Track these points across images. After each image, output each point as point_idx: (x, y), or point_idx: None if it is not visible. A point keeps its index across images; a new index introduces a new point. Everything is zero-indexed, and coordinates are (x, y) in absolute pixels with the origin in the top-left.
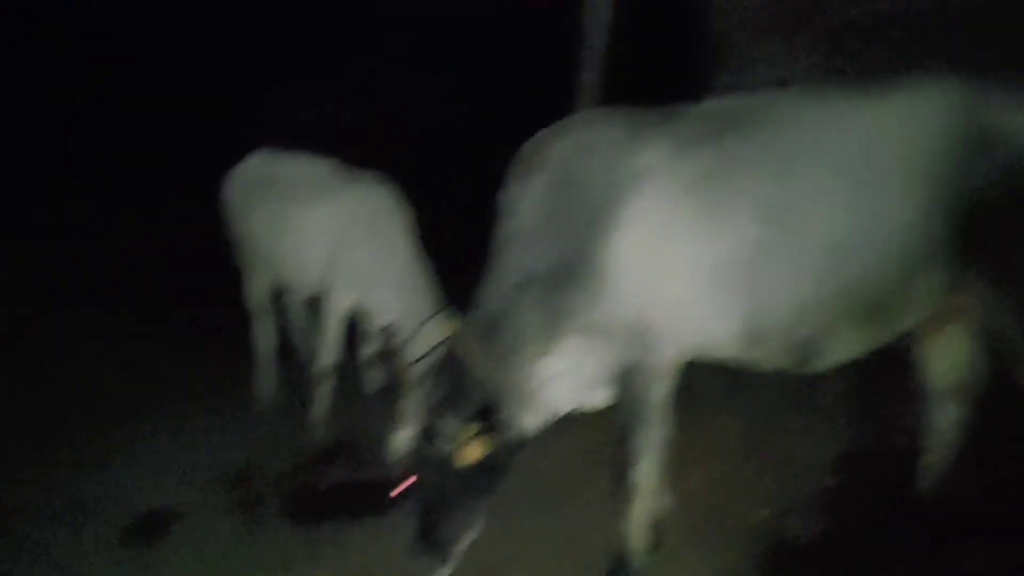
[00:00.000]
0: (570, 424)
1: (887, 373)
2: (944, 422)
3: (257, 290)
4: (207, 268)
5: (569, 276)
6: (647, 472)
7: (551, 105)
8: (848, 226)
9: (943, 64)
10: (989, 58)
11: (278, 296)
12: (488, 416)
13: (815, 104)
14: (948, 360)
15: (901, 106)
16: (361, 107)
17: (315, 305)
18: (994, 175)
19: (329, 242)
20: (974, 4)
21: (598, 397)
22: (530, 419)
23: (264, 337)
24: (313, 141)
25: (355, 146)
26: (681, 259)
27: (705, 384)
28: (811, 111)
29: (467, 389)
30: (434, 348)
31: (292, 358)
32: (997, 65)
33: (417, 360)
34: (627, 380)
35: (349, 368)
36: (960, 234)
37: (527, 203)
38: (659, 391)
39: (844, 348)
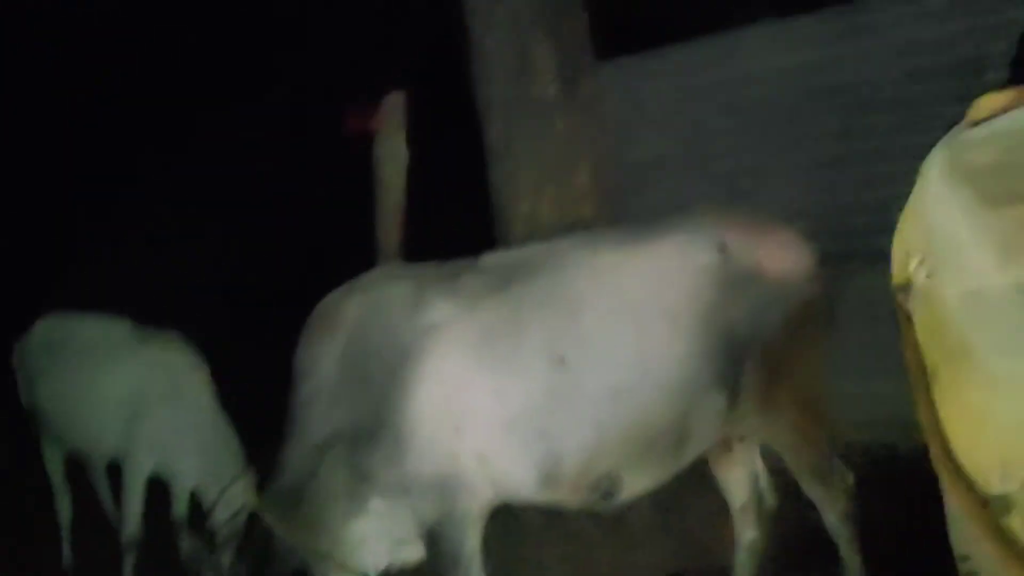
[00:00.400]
0: None
1: (702, 493)
2: (746, 538)
3: (53, 460)
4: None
5: (370, 436)
6: None
7: (348, 260)
8: (629, 366)
9: None
10: None
11: (81, 464)
12: None
13: (593, 249)
14: (740, 479)
15: (672, 247)
16: (154, 263)
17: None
18: (751, 309)
19: (125, 407)
20: None
21: (411, 552)
22: None
23: (64, 508)
24: (107, 300)
25: (150, 304)
26: (476, 411)
27: (525, 516)
28: (589, 257)
29: (276, 558)
30: (239, 513)
31: (102, 526)
32: None
33: (223, 526)
34: (437, 532)
35: (161, 534)
36: (730, 366)
37: (323, 364)
38: (470, 540)
39: (641, 481)
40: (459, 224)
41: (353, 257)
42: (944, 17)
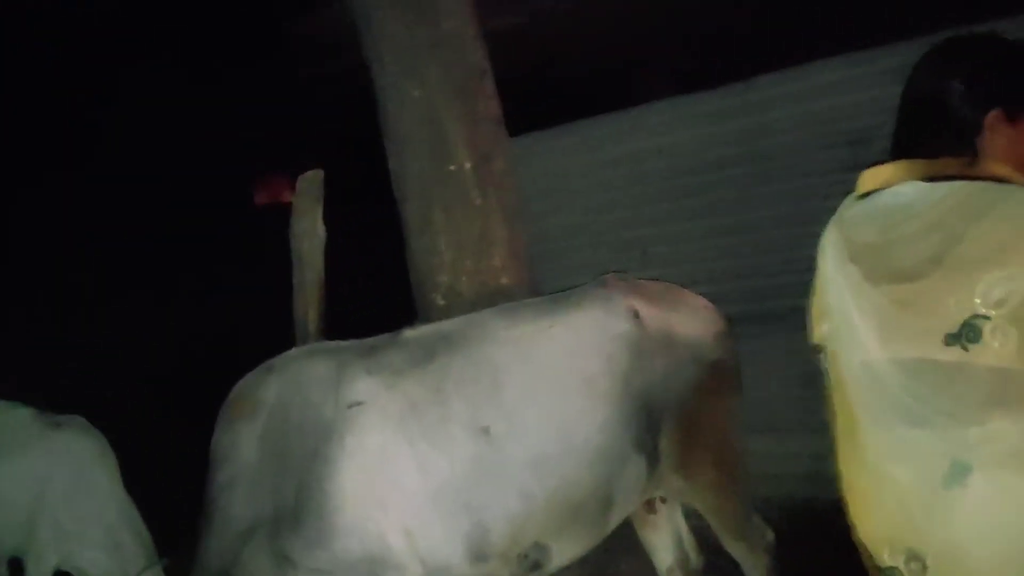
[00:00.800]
0: None
1: (629, 556)
2: None
3: None
4: None
5: (294, 518)
6: None
7: (265, 339)
8: (552, 435)
9: None
10: None
11: None
12: None
13: (512, 321)
14: (664, 541)
15: (587, 316)
16: (57, 344)
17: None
18: (665, 373)
19: (28, 499)
20: None
21: None
22: None
23: None
24: (7, 386)
25: (54, 388)
26: (401, 486)
27: None
28: (509, 329)
29: None
30: None
31: None
32: None
33: None
34: None
35: None
36: (648, 429)
37: (242, 447)
38: None
39: (569, 549)
40: (379, 299)
41: (270, 336)
42: (831, 92)
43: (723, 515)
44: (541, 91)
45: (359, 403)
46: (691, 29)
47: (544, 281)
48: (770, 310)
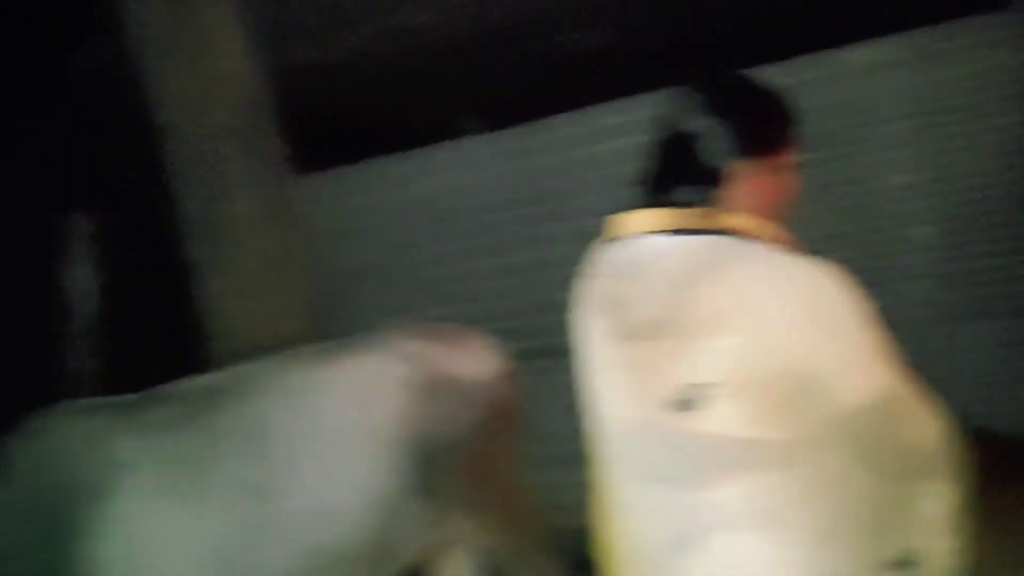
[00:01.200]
0: None
1: None
2: None
3: None
4: None
5: None
6: None
7: (31, 395)
8: (329, 487)
9: None
10: None
11: None
12: None
13: (288, 371)
14: None
15: (366, 362)
16: None
17: None
18: (448, 415)
19: None
20: None
21: None
22: None
23: None
24: None
25: None
26: (173, 552)
27: None
28: (284, 379)
29: None
30: None
31: None
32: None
33: None
34: None
35: None
36: (432, 473)
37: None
38: None
39: None
40: (160, 348)
41: (39, 390)
42: (617, 134)
43: (511, 553)
44: (335, 128)
45: (122, 464)
46: (489, 70)
47: (339, 322)
48: (555, 345)
